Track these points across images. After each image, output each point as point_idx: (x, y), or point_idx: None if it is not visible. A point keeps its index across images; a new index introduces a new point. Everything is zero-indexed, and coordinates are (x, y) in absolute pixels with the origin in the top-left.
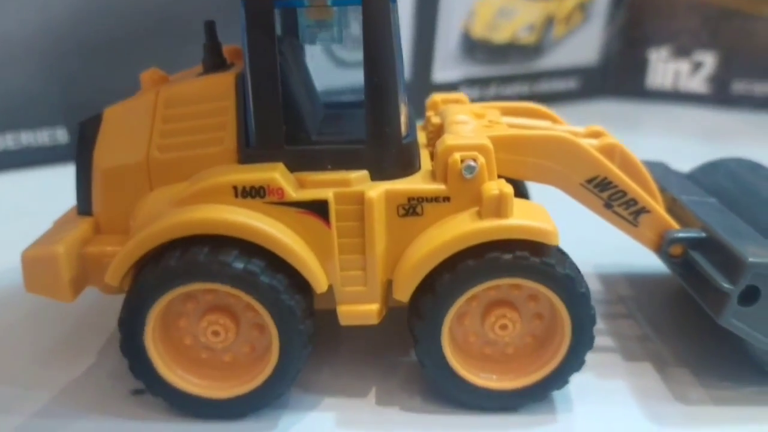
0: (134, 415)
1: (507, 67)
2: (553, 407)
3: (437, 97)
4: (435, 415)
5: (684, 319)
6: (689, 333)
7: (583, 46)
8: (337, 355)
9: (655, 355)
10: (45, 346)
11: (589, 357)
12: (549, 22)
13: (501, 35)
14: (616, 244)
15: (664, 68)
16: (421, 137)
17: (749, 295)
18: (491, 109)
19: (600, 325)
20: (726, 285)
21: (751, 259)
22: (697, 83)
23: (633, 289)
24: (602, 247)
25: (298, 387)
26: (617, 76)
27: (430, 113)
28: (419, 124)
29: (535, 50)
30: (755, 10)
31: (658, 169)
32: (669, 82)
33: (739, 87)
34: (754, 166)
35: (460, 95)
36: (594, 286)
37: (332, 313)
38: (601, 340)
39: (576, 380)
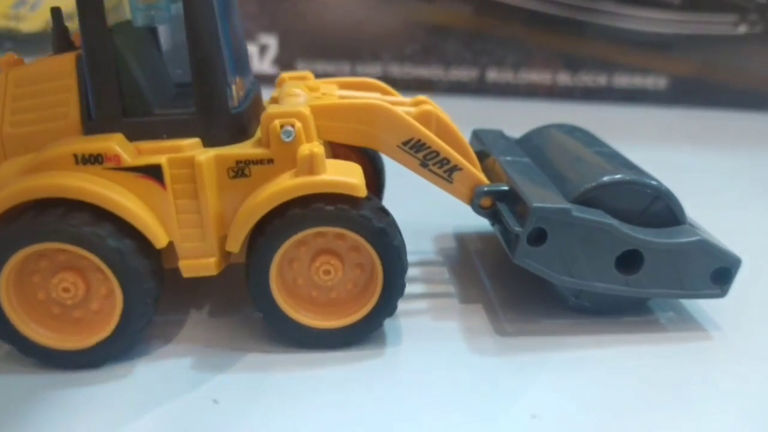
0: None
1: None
2: (384, 343)
3: (285, 75)
4: (276, 354)
5: (515, 269)
6: (518, 280)
7: None
8: (196, 312)
9: (486, 299)
10: None
11: (429, 302)
12: None
13: (30, 25)
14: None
15: None
16: None
17: (539, 237)
18: (328, 84)
19: (446, 275)
20: (517, 228)
21: (535, 204)
22: (267, 65)
23: (481, 244)
24: (462, 211)
25: (160, 339)
26: None
27: (277, 89)
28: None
29: None
30: None
31: (491, 135)
32: None
33: (302, 66)
34: (572, 129)
35: (306, 73)
36: (450, 243)
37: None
38: (444, 287)
39: (412, 322)
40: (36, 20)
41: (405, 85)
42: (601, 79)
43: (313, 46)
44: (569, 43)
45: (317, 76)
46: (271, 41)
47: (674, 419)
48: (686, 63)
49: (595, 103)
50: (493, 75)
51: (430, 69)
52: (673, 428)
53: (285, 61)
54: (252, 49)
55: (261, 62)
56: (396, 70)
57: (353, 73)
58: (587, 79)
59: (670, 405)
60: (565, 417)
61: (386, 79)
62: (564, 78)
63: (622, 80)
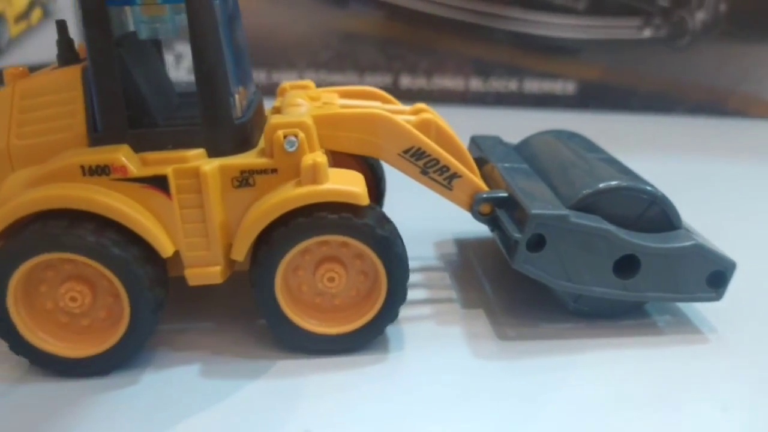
0: (6, 379)
1: None
2: (387, 348)
3: (286, 84)
4: (281, 360)
5: (515, 275)
6: (519, 285)
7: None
8: (202, 320)
9: (487, 304)
10: None
11: (431, 307)
12: None
13: None
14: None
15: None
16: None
17: (538, 243)
18: (330, 93)
19: (447, 281)
20: (516, 234)
21: (534, 211)
22: (183, 73)
23: (481, 250)
24: (462, 218)
25: (165, 346)
26: None
27: (279, 99)
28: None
29: None
30: None
31: (489, 142)
32: None
33: None
34: (570, 135)
35: (307, 82)
36: (450, 249)
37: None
38: (445, 293)
39: (415, 327)
40: None
41: None
42: (512, 85)
43: None
44: (480, 49)
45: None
46: (186, 50)
47: (671, 420)
48: (593, 68)
49: (506, 109)
50: (406, 81)
51: (345, 75)
52: (671, 429)
53: None
54: (167, 59)
55: (177, 70)
56: (312, 77)
57: (269, 80)
58: (498, 84)
59: (668, 406)
60: (568, 418)
61: None
62: (476, 84)
63: (532, 86)
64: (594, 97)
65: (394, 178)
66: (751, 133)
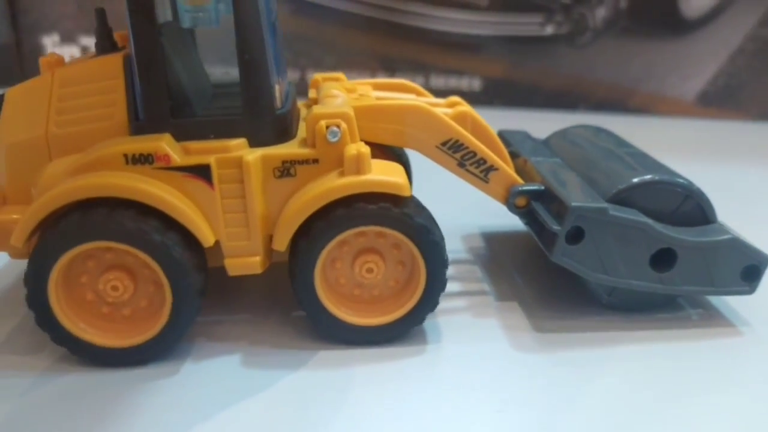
0: (48, 368)
1: None
2: (425, 340)
3: (319, 76)
4: (320, 351)
5: (546, 267)
6: (550, 278)
7: None
8: (239, 311)
9: (521, 297)
10: None
11: (465, 300)
12: None
13: None
14: (498, 208)
15: (60, 52)
16: (304, 111)
17: (576, 235)
18: (364, 86)
19: (479, 274)
20: (555, 227)
21: (573, 204)
22: None
23: (508, 242)
24: (488, 211)
25: (202, 336)
26: (11, 62)
27: (312, 90)
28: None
29: None
30: None
31: (518, 136)
32: None
33: None
34: (597, 130)
35: (339, 74)
36: (478, 242)
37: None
38: (478, 285)
39: (451, 319)
40: None
41: None
42: (419, 80)
43: None
44: (386, 44)
45: None
46: (92, 43)
47: (706, 412)
48: (497, 64)
49: None
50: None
51: None
52: (706, 421)
53: None
54: (74, 51)
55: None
56: (218, 73)
57: None
58: (404, 80)
59: (703, 399)
60: (608, 410)
61: None
62: (382, 79)
63: (438, 81)
64: (499, 93)
65: (417, 174)
66: (655, 130)
